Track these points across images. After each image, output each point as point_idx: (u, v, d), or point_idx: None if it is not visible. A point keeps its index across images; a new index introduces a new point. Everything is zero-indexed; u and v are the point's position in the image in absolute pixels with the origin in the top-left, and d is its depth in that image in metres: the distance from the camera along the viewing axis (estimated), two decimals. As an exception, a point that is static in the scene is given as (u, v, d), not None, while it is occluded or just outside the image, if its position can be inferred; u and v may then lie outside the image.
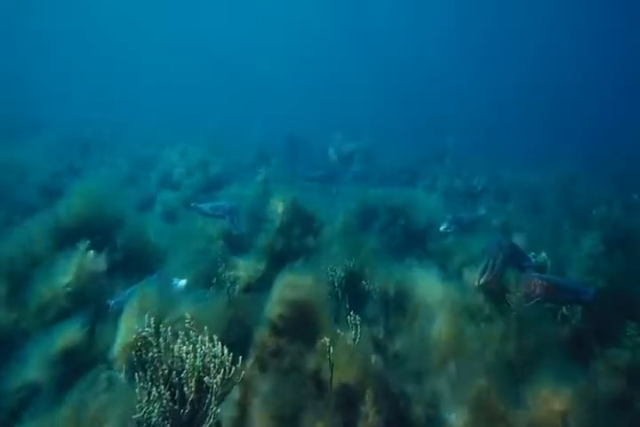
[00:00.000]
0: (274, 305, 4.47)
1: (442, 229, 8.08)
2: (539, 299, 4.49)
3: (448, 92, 47.73)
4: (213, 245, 6.39)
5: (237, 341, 4.55)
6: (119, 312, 4.19)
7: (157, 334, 3.00)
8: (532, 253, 5.79)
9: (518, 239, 7.75)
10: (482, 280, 4.93)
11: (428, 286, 5.68)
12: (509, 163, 14.78)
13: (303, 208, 6.87)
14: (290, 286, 4.56)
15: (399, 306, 5.53)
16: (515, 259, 5.31)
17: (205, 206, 6.43)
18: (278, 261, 6.27)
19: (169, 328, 2.95)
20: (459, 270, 7.10)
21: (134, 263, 5.74)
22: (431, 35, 55.63)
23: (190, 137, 14.17)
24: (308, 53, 61.58)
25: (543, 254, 6.39)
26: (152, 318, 2.93)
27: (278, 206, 6.79)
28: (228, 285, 4.93)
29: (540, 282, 4.48)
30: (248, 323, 4.94)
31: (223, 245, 6.41)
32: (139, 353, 2.80)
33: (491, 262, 5.01)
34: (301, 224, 6.78)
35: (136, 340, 2.82)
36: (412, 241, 8.60)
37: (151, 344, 2.83)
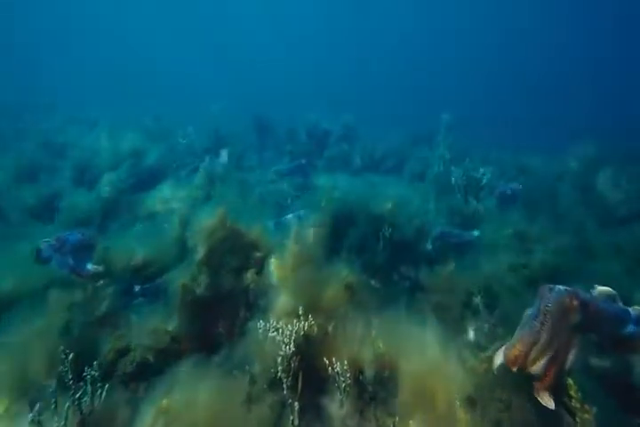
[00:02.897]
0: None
1: (428, 247, 6.21)
2: None
3: (448, 67, 44.76)
4: (101, 292, 4.19)
5: None
6: None
7: None
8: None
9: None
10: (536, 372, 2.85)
11: (421, 357, 3.69)
12: (514, 145, 12.61)
13: (239, 229, 4.68)
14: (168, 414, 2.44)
15: (381, 397, 3.50)
16: (601, 326, 2.83)
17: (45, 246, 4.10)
18: (199, 312, 4.16)
19: None
20: (461, 316, 5.18)
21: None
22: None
23: (132, 117, 11.60)
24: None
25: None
26: None
27: (202, 228, 4.58)
28: (80, 392, 2.77)
29: None
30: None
31: (113, 294, 4.21)
32: None
33: (545, 338, 2.90)
34: (237, 253, 4.60)
35: None
36: (399, 259, 6.53)
37: None
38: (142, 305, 4.48)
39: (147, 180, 8.29)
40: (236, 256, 4.58)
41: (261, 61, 47.85)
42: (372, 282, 6.32)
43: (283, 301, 3.95)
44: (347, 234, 6.67)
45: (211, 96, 11.69)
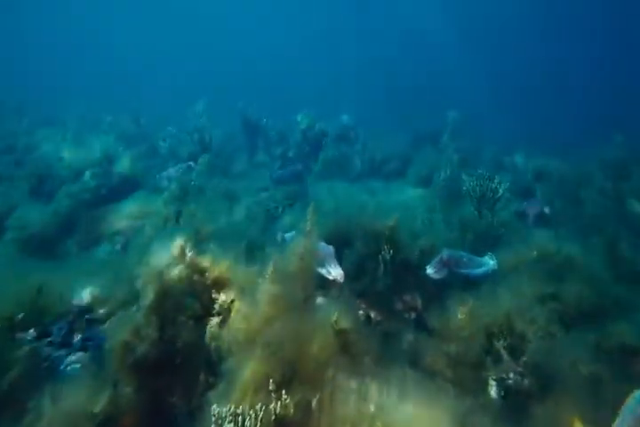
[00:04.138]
0: None
1: (429, 271, 5.24)
2: None
3: (450, 65, 43.31)
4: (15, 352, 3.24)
5: None
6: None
7: None
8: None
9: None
10: None
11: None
12: (525, 145, 11.56)
13: (202, 264, 3.72)
14: None
15: None
16: None
17: None
18: (144, 380, 3.21)
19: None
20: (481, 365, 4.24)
21: None
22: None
23: (109, 118, 10.59)
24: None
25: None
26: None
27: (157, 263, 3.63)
28: None
29: None
30: None
31: (29, 355, 3.25)
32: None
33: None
34: (199, 296, 3.65)
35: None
36: (402, 285, 5.55)
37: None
38: (80, 364, 3.53)
39: (117, 190, 7.33)
40: (196, 300, 3.62)
41: (255, 57, 46.42)
42: (372, 314, 5.39)
43: (251, 368, 2.99)
44: (341, 256, 5.71)
45: (197, 93, 10.71)
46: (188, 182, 6.44)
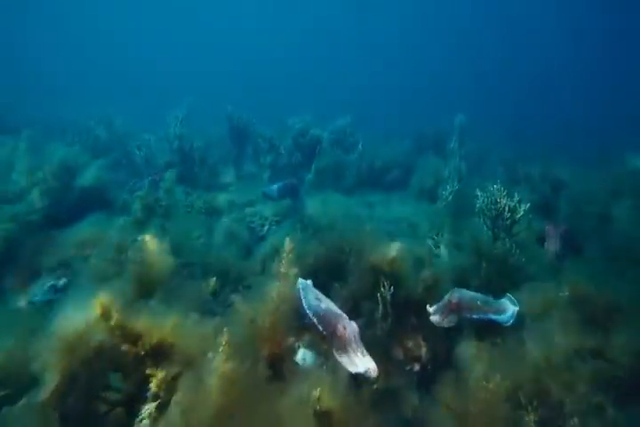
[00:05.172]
0: None
1: (433, 318, 4.21)
2: None
3: (452, 66, 42.35)
4: None
5: None
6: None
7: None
8: None
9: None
10: None
11: None
12: (539, 153, 10.57)
13: (134, 328, 2.74)
14: None
15: None
16: None
17: None
18: None
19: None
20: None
21: None
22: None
23: (76, 124, 9.60)
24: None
25: None
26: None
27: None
28: None
29: None
30: None
31: None
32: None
33: None
34: (128, 373, 2.67)
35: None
36: (404, 327, 4.56)
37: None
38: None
39: (78, 209, 6.33)
40: (124, 378, 2.64)
41: (251, 58, 45.33)
42: (368, 366, 4.41)
43: None
44: (329, 292, 4.73)
45: (183, 96, 9.79)
46: (153, 202, 5.46)
